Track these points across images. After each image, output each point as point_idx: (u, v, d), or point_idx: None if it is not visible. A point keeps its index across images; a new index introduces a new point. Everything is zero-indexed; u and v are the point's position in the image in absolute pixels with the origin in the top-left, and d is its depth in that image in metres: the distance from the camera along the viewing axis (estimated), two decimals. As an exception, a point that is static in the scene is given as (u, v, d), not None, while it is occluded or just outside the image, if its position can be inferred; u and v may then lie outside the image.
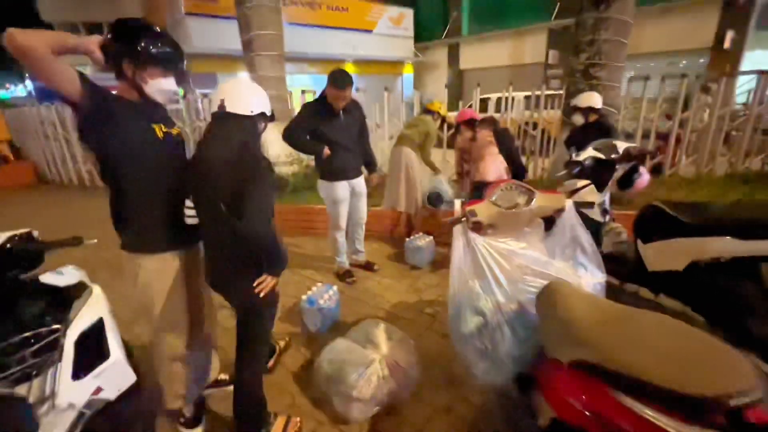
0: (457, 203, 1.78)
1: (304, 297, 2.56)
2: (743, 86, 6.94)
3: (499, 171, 3.27)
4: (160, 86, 1.44)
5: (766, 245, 1.83)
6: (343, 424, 1.82)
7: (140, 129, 1.44)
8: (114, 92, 1.44)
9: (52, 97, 8.24)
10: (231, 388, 2.00)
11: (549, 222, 1.85)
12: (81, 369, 1.31)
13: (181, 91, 6.64)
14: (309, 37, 12.69)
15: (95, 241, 1.50)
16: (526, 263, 1.68)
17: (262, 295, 1.50)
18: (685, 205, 2.30)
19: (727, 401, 0.81)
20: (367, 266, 3.44)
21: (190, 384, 1.80)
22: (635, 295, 2.56)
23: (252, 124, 1.50)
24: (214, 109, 1.47)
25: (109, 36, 1.36)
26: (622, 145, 2.57)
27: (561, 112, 4.57)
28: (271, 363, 2.19)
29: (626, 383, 0.96)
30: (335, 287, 2.71)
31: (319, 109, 2.78)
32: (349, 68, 14.83)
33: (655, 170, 5.18)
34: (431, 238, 3.57)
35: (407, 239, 3.59)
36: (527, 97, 6.16)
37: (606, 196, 2.68)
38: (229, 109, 1.45)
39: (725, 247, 1.95)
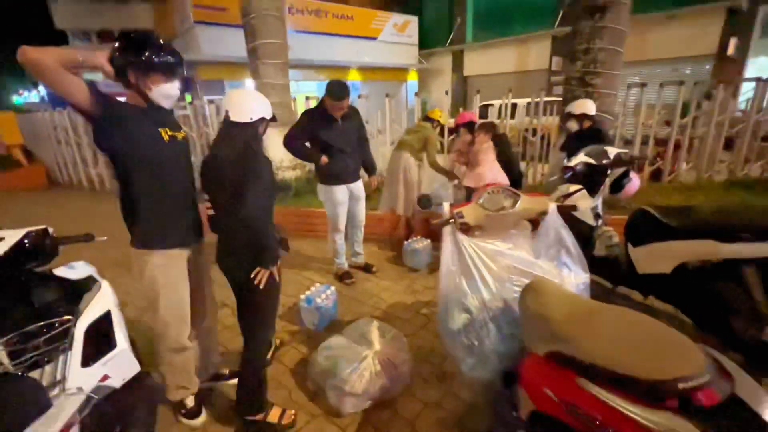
0: (446, 205, 1.86)
1: (302, 296, 2.65)
2: (747, 93, 6.97)
3: (495, 178, 3.34)
4: (164, 92, 1.56)
5: (747, 248, 1.88)
6: (336, 417, 1.90)
7: (147, 133, 1.56)
8: (123, 99, 1.56)
9: (65, 102, 8.48)
10: (231, 382, 2.11)
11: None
12: (89, 357, 1.41)
13: (188, 98, 6.82)
14: (315, 44, 12.91)
15: (105, 238, 1.61)
16: (512, 263, 1.76)
17: (261, 286, 1.65)
18: (672, 209, 2.37)
19: (676, 385, 0.88)
20: (366, 268, 3.52)
21: (192, 376, 1.90)
22: (626, 298, 2.61)
23: (252, 129, 1.71)
24: (222, 118, 1.71)
25: (115, 47, 1.48)
26: (612, 151, 2.64)
27: (559, 118, 4.64)
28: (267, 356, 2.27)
29: (591, 371, 1.03)
30: (333, 287, 2.79)
31: (319, 115, 2.89)
32: (354, 75, 15.05)
33: (655, 176, 5.23)
34: (429, 241, 3.65)
35: (405, 242, 3.67)
36: (530, 104, 6.24)
37: (598, 201, 2.74)
38: (233, 118, 1.68)
39: (709, 250, 2.01)
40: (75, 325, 1.42)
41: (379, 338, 2.09)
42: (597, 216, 2.73)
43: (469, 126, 3.87)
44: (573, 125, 3.42)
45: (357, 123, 3.07)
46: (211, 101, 6.38)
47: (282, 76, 5.41)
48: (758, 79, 4.78)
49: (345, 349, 2.04)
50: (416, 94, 6.20)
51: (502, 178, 3.38)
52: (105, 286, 1.59)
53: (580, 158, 2.64)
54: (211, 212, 1.72)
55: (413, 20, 15.81)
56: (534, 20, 13.73)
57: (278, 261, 1.69)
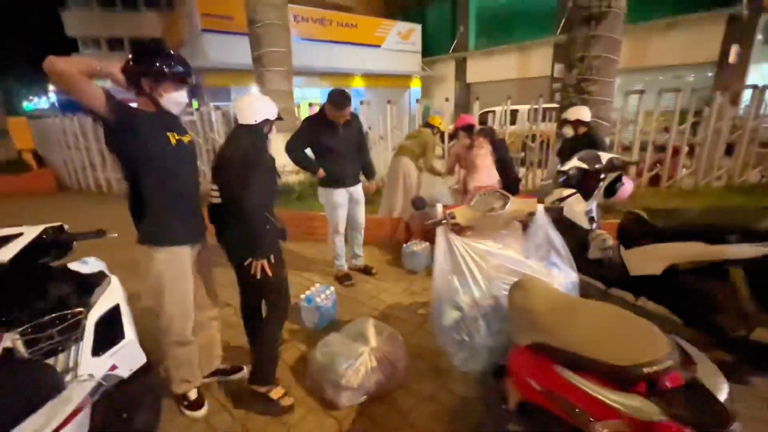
0: (439, 206, 1.94)
1: (302, 296, 2.73)
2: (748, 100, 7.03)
3: (492, 182, 3.41)
4: (174, 99, 1.67)
5: (732, 249, 1.93)
6: (333, 410, 1.96)
7: (156, 137, 1.66)
8: (134, 105, 1.66)
9: (75, 108, 8.72)
10: (232, 377, 2.19)
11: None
12: (99, 347, 1.50)
13: (195, 104, 6.98)
14: (320, 51, 13.14)
15: (116, 234, 1.70)
16: (503, 262, 1.83)
17: (258, 276, 1.84)
18: (661, 212, 2.43)
19: (641, 370, 0.95)
20: (366, 270, 3.60)
21: (195, 370, 1.98)
22: (621, 300, 2.65)
23: (257, 130, 1.95)
24: (232, 121, 1.94)
25: (129, 58, 1.59)
26: (605, 156, 2.71)
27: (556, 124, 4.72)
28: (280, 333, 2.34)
29: (566, 358, 1.10)
30: (332, 288, 2.87)
31: (320, 122, 2.99)
32: (358, 81, 15.23)
33: (654, 182, 5.28)
34: (427, 244, 3.72)
35: (404, 245, 3.75)
36: (530, 110, 6.33)
37: (593, 205, 2.81)
38: (240, 121, 1.93)
39: (696, 251, 2.07)
40: (86, 316, 1.51)
41: (376, 336, 2.15)
42: (591, 220, 2.79)
43: (468, 129, 3.95)
44: (568, 131, 3.50)
45: (357, 129, 3.16)
46: (217, 107, 6.53)
47: (286, 83, 5.55)
48: (755, 87, 4.84)
49: (342, 346, 2.10)
50: (417, 101, 6.31)
51: (497, 183, 3.46)
52: (114, 280, 1.69)
53: (573, 163, 2.71)
54: (215, 200, 1.91)
55: (417, 28, 16.03)
56: (536, 28, 13.89)
57: (270, 252, 1.87)
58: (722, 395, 0.91)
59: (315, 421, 1.92)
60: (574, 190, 2.68)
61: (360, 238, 3.54)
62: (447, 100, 7.13)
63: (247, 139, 1.91)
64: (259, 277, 1.86)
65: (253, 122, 1.92)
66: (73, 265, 1.66)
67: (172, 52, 1.65)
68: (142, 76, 1.59)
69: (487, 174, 3.57)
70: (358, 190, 3.26)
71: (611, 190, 2.80)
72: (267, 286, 1.95)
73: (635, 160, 4.48)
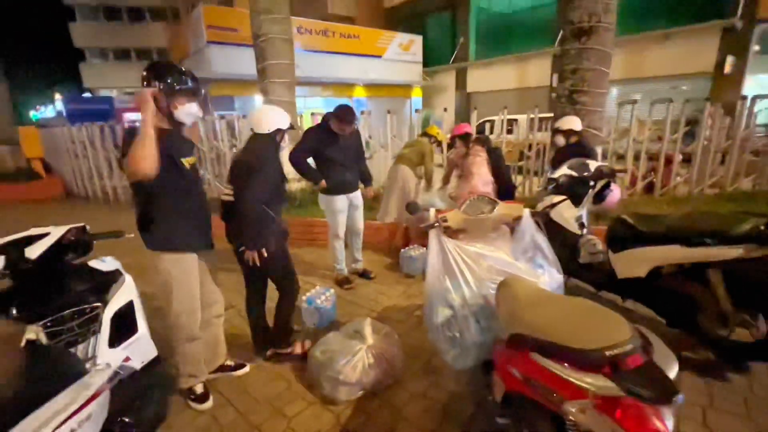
0: (432, 211, 2.06)
1: (303, 297, 2.84)
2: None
3: (487, 190, 3.53)
4: (187, 111, 1.82)
5: (709, 252, 2.04)
6: (331, 405, 2.07)
7: (172, 165, 1.75)
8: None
9: (84, 118, 8.94)
10: (236, 373, 2.30)
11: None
12: (115, 339, 1.62)
13: (200, 114, 7.15)
14: (322, 62, 13.40)
15: (132, 235, 1.83)
16: (492, 264, 1.94)
17: (251, 264, 2.10)
18: (645, 217, 2.54)
19: (604, 353, 1.06)
20: (365, 274, 3.71)
21: (201, 365, 2.09)
22: (610, 303, 2.75)
23: (270, 138, 2.21)
24: (236, 130, 2.30)
25: (145, 76, 1.72)
26: (593, 164, 2.84)
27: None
28: (269, 353, 2.46)
29: (541, 346, 1.21)
30: (332, 290, 2.99)
31: (321, 133, 3.16)
32: (360, 91, 15.49)
33: (648, 190, 5.39)
34: (425, 249, 3.83)
35: (402, 250, 3.86)
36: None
37: (583, 211, 2.92)
38: (255, 130, 2.21)
39: (676, 254, 2.17)
40: (104, 311, 1.63)
41: (373, 334, 2.26)
42: (581, 225, 2.90)
43: (465, 137, 4.08)
44: (560, 140, 3.63)
45: (356, 139, 3.33)
46: (221, 117, 6.70)
47: (289, 94, 5.73)
48: (743, 98, 4.98)
49: (340, 344, 2.21)
50: (417, 111, 6.48)
51: (492, 191, 3.57)
52: (129, 278, 1.81)
53: (563, 171, 2.84)
54: (229, 198, 2.14)
55: (417, 39, 16.32)
56: (535, 39, 14.13)
57: (262, 247, 2.08)
58: (672, 373, 1.02)
59: (314, 414, 2.02)
60: (564, 197, 2.80)
61: (359, 243, 3.66)
62: (445, 110, 7.29)
63: (260, 146, 2.16)
64: (251, 265, 2.10)
65: (267, 131, 2.18)
66: (93, 263, 1.79)
67: (183, 68, 1.80)
68: (159, 92, 1.70)
69: (482, 181, 3.69)
70: (357, 196, 3.41)
71: (600, 197, 2.92)
72: (275, 275, 2.31)
73: (623, 168, 4.59)
